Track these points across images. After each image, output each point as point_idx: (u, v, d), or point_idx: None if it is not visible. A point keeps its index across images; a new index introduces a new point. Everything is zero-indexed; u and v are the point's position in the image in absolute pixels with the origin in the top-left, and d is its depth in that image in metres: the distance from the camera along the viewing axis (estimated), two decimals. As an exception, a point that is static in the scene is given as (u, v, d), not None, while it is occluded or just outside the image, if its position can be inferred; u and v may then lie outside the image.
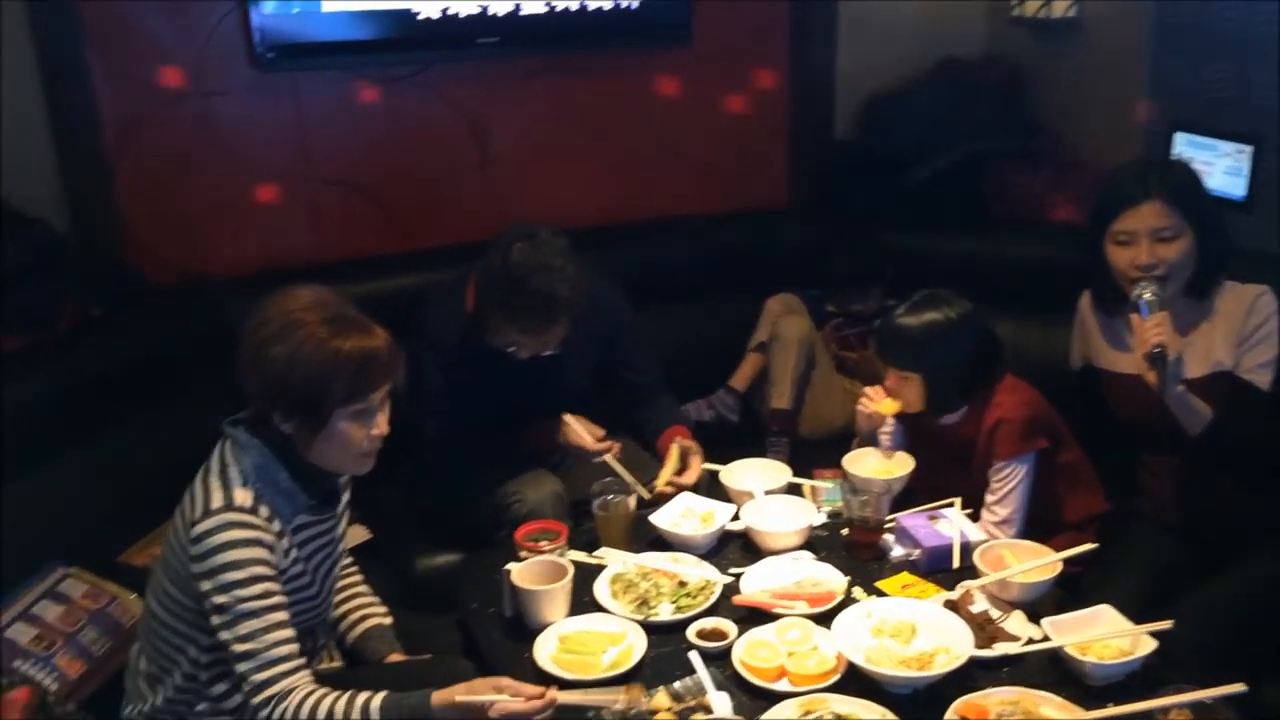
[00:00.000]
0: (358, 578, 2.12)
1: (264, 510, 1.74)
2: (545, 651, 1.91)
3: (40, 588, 2.19)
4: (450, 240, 3.21)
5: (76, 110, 2.80)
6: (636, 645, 1.92)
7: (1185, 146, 2.99)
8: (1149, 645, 1.79)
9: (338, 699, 1.70)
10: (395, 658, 2.01)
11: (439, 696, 1.70)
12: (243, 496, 1.72)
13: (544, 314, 2.37)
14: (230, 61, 2.94)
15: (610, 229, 3.31)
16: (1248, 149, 2.82)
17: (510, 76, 3.27)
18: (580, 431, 2.54)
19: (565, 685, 1.81)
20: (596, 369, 2.69)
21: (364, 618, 2.05)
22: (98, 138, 2.84)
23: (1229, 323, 2.23)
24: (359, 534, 2.50)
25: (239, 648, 1.69)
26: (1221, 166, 2.88)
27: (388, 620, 2.05)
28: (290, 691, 1.69)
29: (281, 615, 1.72)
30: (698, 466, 2.52)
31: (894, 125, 3.56)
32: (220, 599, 1.68)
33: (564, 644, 1.92)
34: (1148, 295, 2.15)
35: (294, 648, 1.73)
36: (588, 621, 1.99)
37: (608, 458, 2.50)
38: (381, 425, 1.80)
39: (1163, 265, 2.18)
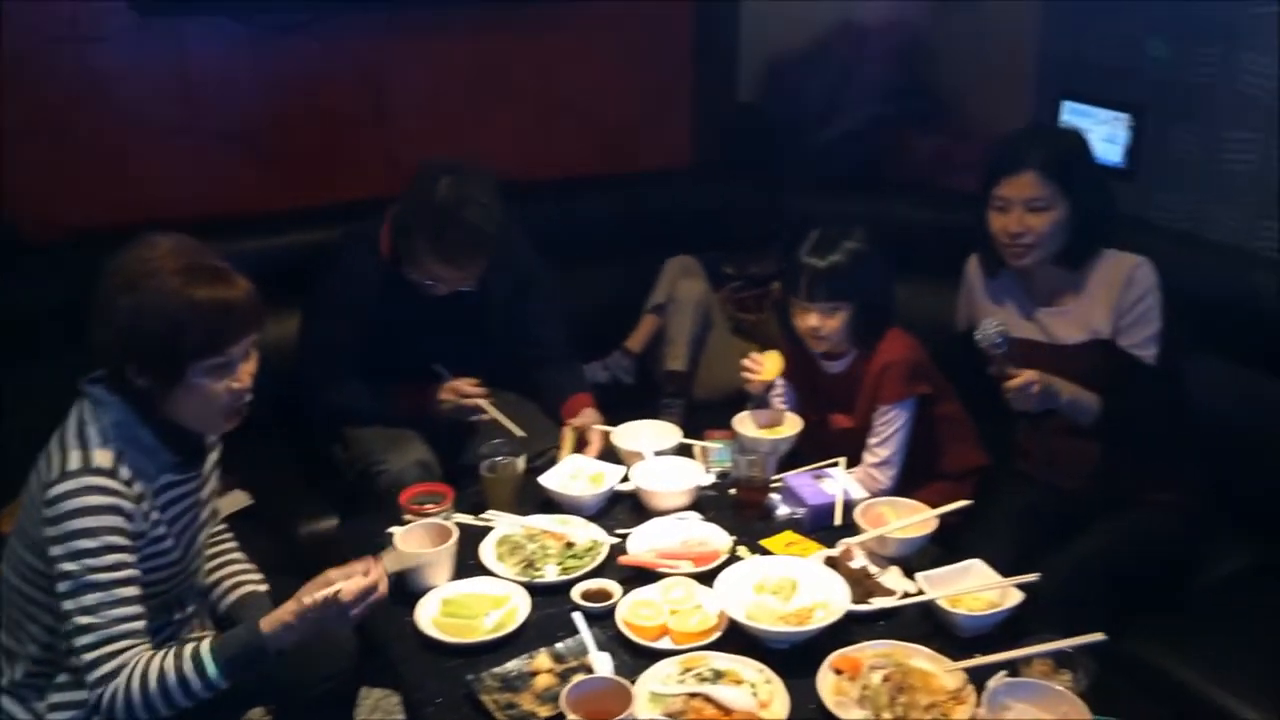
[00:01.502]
0: (231, 544, 2.06)
1: (125, 471, 1.68)
2: (426, 615, 1.89)
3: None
4: (342, 198, 3.14)
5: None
6: (520, 607, 1.91)
7: (1070, 114, 3.06)
8: (1016, 597, 1.85)
9: (166, 655, 1.66)
10: None
11: (268, 622, 1.69)
12: (102, 457, 1.66)
13: (471, 247, 2.36)
14: (110, 6, 2.82)
15: (508, 188, 3.27)
16: (1125, 117, 2.90)
17: (411, 29, 3.20)
18: (456, 383, 2.52)
19: (447, 649, 1.81)
20: (508, 323, 2.66)
21: (237, 585, 1.99)
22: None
23: (1108, 292, 2.29)
24: (239, 499, 2.45)
25: (80, 620, 1.63)
26: (1101, 134, 2.96)
27: (263, 587, 2.00)
28: (123, 667, 1.64)
29: (130, 590, 1.66)
30: (598, 444, 2.48)
31: (795, 88, 3.59)
32: (69, 566, 1.62)
33: (446, 607, 1.90)
34: (993, 337, 2.14)
35: (138, 625, 1.67)
36: (471, 585, 1.98)
37: (483, 403, 2.48)
38: (244, 380, 1.73)
39: (1031, 234, 2.24)
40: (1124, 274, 2.27)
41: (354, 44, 3.14)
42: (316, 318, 2.56)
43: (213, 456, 1.90)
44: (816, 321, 2.35)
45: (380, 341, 2.53)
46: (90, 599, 1.62)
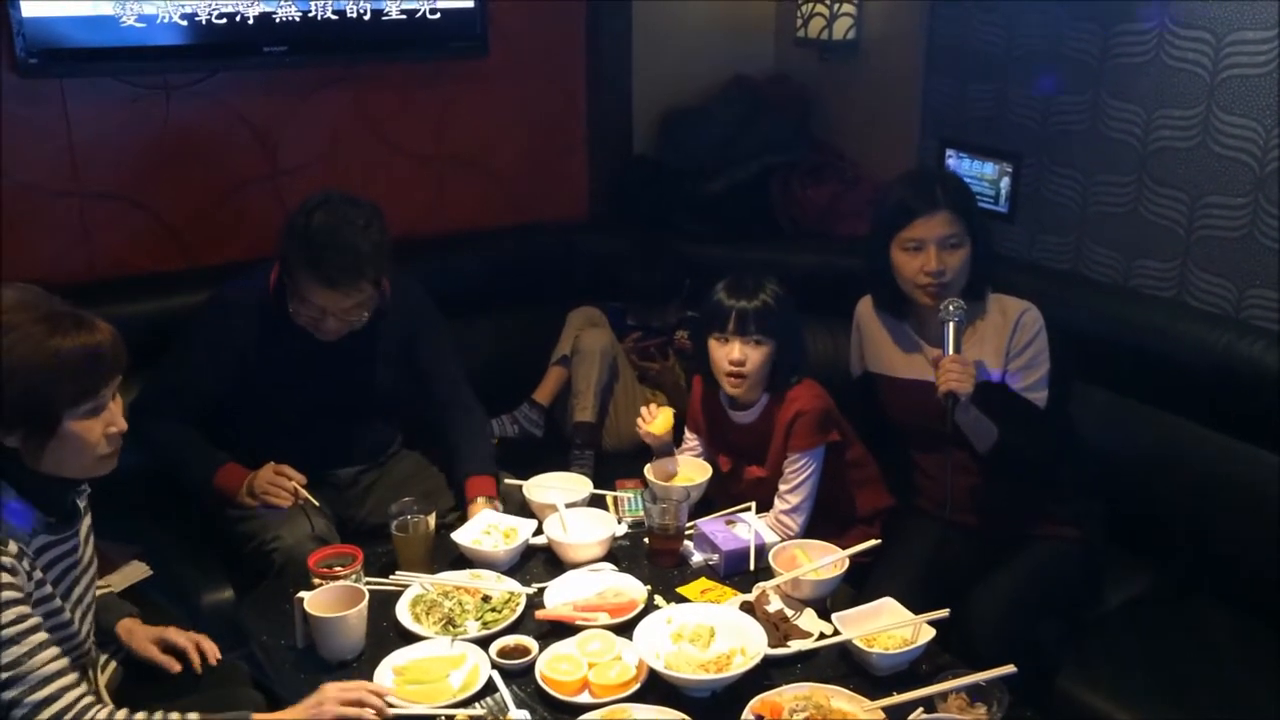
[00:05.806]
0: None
1: None
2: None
3: None
4: (238, 256, 3.08)
5: None
6: (481, 664, 1.88)
7: (952, 162, 3.19)
8: (928, 634, 1.89)
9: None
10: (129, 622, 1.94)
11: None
12: None
13: (350, 267, 2.31)
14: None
15: (409, 242, 3.25)
16: (1008, 166, 3.03)
17: (301, 86, 3.17)
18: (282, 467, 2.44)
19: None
20: (401, 370, 2.62)
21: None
22: None
23: (998, 335, 2.37)
24: (139, 570, 2.35)
25: (4, 675, 1.57)
26: (983, 182, 3.09)
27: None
28: (86, 708, 1.60)
29: (43, 636, 1.62)
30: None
31: (688, 140, 3.65)
32: None
33: (403, 675, 1.86)
34: (954, 312, 2.25)
35: (65, 664, 1.63)
36: (423, 649, 1.94)
37: (303, 493, 2.40)
38: (118, 421, 1.73)
39: (949, 271, 2.32)
40: (1012, 318, 2.37)
41: (245, 102, 3.09)
42: (179, 349, 2.50)
43: (87, 521, 1.84)
44: (739, 354, 2.35)
45: (258, 385, 2.47)
46: (7, 655, 1.57)
